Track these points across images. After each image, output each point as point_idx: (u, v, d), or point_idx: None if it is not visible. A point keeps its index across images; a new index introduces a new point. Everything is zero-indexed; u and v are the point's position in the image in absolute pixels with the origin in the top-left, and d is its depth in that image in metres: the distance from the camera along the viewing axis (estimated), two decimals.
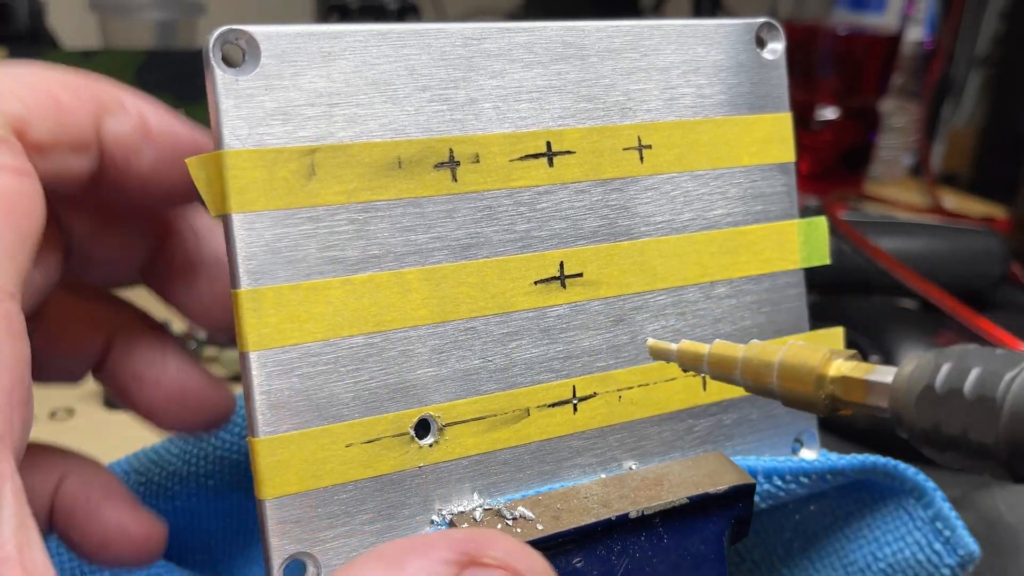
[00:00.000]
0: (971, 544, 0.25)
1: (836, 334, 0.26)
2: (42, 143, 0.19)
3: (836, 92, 0.79)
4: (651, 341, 0.23)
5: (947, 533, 0.25)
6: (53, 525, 0.23)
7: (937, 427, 0.16)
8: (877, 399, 0.17)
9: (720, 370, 0.20)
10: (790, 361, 0.19)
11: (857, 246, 0.54)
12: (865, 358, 0.41)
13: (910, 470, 0.25)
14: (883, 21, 0.79)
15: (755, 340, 0.20)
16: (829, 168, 0.79)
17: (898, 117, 0.85)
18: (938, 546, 0.25)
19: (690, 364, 0.21)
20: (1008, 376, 0.15)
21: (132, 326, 0.24)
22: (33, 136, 0.19)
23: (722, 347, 0.21)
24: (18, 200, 0.18)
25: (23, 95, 0.19)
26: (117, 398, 0.24)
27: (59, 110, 0.19)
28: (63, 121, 0.19)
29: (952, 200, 0.82)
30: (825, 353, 0.18)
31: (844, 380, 0.18)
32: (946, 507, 0.25)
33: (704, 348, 0.21)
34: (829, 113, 0.78)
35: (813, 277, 0.26)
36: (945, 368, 0.16)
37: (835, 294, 0.53)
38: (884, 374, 0.17)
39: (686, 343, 0.21)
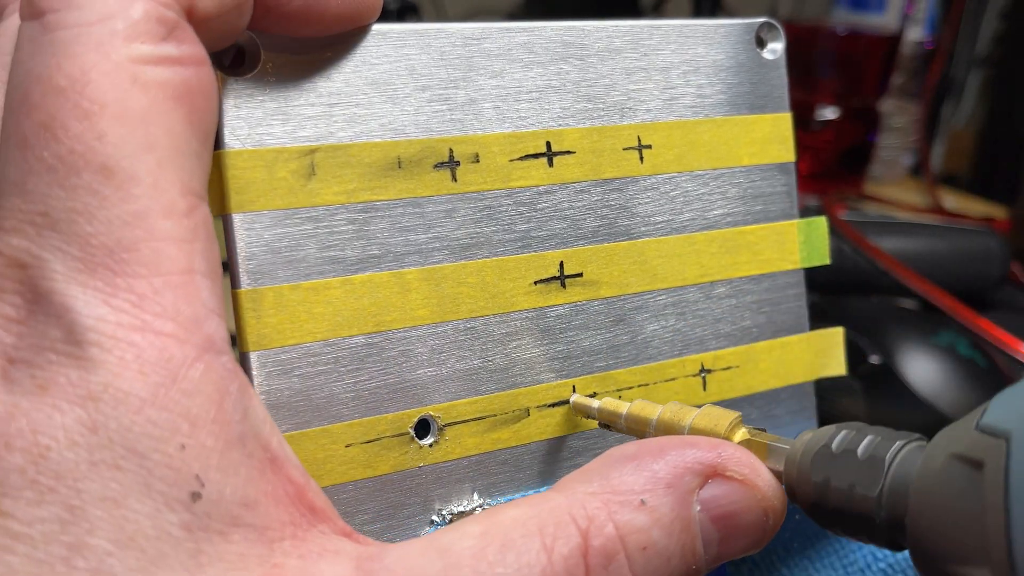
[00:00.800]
0: None
1: (836, 334, 0.26)
2: (210, 14, 0.18)
3: (836, 92, 0.78)
4: (575, 398, 0.23)
5: None
6: None
7: (827, 480, 0.17)
8: (775, 463, 0.18)
9: (636, 426, 0.21)
10: (699, 424, 0.20)
11: (857, 246, 0.54)
12: (865, 358, 0.41)
13: None
14: (883, 21, 0.79)
15: (673, 401, 0.21)
16: (829, 168, 0.79)
17: (898, 117, 0.85)
18: None
19: (608, 420, 0.22)
20: (899, 443, 0.17)
21: None
22: (200, 10, 0.18)
23: (639, 407, 0.21)
24: (198, 97, 0.17)
25: None
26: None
27: None
28: None
29: (952, 200, 0.82)
30: (734, 419, 0.20)
31: (748, 443, 0.19)
32: None
33: (624, 407, 0.22)
34: (829, 113, 0.78)
35: (813, 277, 0.26)
36: (843, 433, 0.18)
37: (835, 294, 0.53)
38: (784, 442, 0.19)
39: (607, 401, 0.22)
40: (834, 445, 0.17)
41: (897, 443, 0.17)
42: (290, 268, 0.20)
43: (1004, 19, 0.92)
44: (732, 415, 0.20)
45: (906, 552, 0.25)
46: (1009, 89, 0.92)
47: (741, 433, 0.19)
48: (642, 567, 0.17)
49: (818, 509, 0.18)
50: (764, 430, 0.20)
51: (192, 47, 0.17)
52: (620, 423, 0.22)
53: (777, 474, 0.18)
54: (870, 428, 0.18)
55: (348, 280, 0.20)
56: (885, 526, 0.17)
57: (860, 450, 0.17)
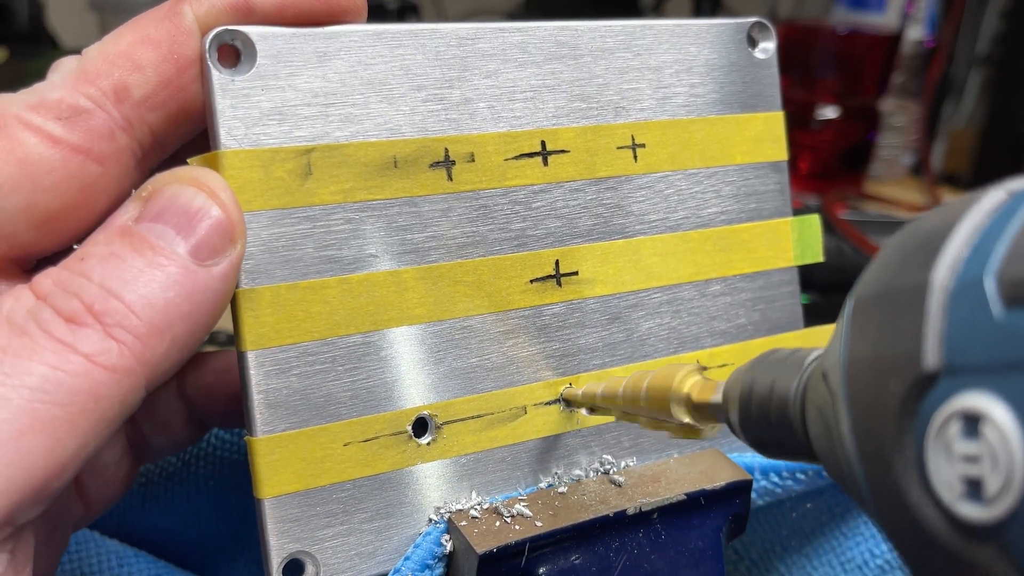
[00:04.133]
0: None
1: (830, 331, 0.26)
2: (147, 94, 0.19)
3: (836, 91, 0.78)
4: (566, 392, 0.23)
5: None
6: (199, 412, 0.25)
7: (751, 385, 0.17)
8: (718, 395, 0.19)
9: (608, 403, 0.21)
10: (657, 381, 0.20)
11: (857, 246, 0.54)
12: None
13: None
14: (883, 20, 0.79)
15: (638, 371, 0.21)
16: (829, 167, 0.79)
17: (898, 116, 0.85)
18: None
19: (589, 403, 0.22)
20: (808, 361, 0.17)
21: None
22: (135, 93, 0.19)
23: (611, 384, 0.21)
24: (47, 178, 0.19)
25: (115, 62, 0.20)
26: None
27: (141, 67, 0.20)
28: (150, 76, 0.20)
29: (952, 199, 0.82)
30: (689, 369, 0.20)
31: (699, 384, 0.19)
32: None
33: (599, 387, 0.22)
34: (829, 112, 0.78)
35: (813, 277, 0.26)
36: (762, 361, 0.18)
37: (835, 294, 0.53)
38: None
39: (589, 385, 0.22)
40: (759, 360, 0.18)
41: (806, 361, 0.17)
42: (287, 267, 0.20)
43: (1004, 19, 0.92)
44: (687, 367, 0.20)
45: None
46: (1009, 89, 0.92)
47: (693, 381, 0.19)
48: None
49: (746, 427, 0.18)
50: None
51: (83, 137, 0.19)
52: (598, 403, 0.22)
53: (719, 409, 0.19)
54: (785, 353, 0.18)
55: (345, 279, 0.20)
56: (801, 442, 0.17)
57: (781, 360, 0.17)
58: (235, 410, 0.23)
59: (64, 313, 0.17)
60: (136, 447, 0.24)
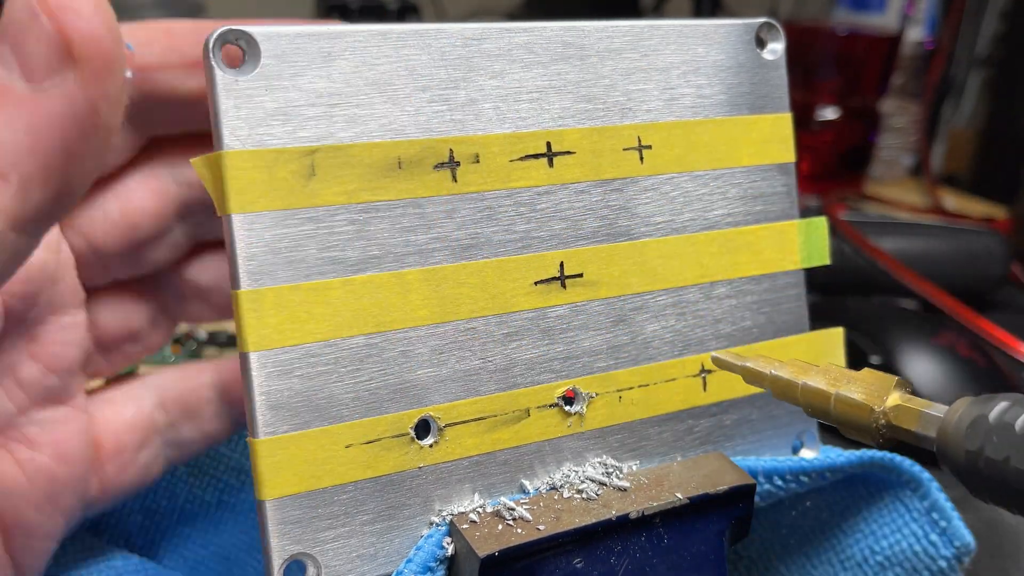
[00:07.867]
0: (967, 535, 0.25)
1: (836, 335, 0.26)
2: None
3: (836, 92, 0.78)
4: (715, 353, 0.23)
5: (943, 524, 0.25)
6: None
7: (981, 449, 0.17)
8: (927, 429, 0.18)
9: (784, 390, 0.21)
10: (852, 390, 0.20)
11: (857, 246, 0.54)
12: (865, 358, 0.41)
13: (906, 462, 0.25)
14: (883, 21, 0.79)
15: (830, 363, 0.21)
16: (829, 168, 0.79)
17: (898, 117, 0.85)
18: (934, 536, 0.25)
19: (754, 381, 0.22)
20: None
21: None
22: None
23: (790, 369, 0.21)
24: None
25: None
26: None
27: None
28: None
29: (952, 200, 0.82)
30: (891, 384, 0.19)
31: (899, 409, 0.19)
32: (942, 498, 0.25)
33: (770, 366, 0.22)
34: (829, 113, 0.78)
35: (813, 277, 0.26)
36: (1002, 405, 0.17)
37: (835, 294, 0.53)
38: (938, 409, 0.18)
39: (757, 360, 0.22)
40: (992, 416, 0.17)
41: None
42: (290, 268, 0.20)
43: (1004, 19, 0.92)
44: (891, 380, 0.19)
45: (903, 545, 0.25)
46: (1009, 89, 0.92)
47: (894, 398, 0.19)
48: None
49: (970, 477, 0.17)
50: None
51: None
52: (766, 383, 0.22)
53: (929, 441, 0.18)
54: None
55: (348, 281, 0.20)
56: None
57: (1019, 425, 0.17)
58: None
59: None
60: (169, 444, 0.24)
